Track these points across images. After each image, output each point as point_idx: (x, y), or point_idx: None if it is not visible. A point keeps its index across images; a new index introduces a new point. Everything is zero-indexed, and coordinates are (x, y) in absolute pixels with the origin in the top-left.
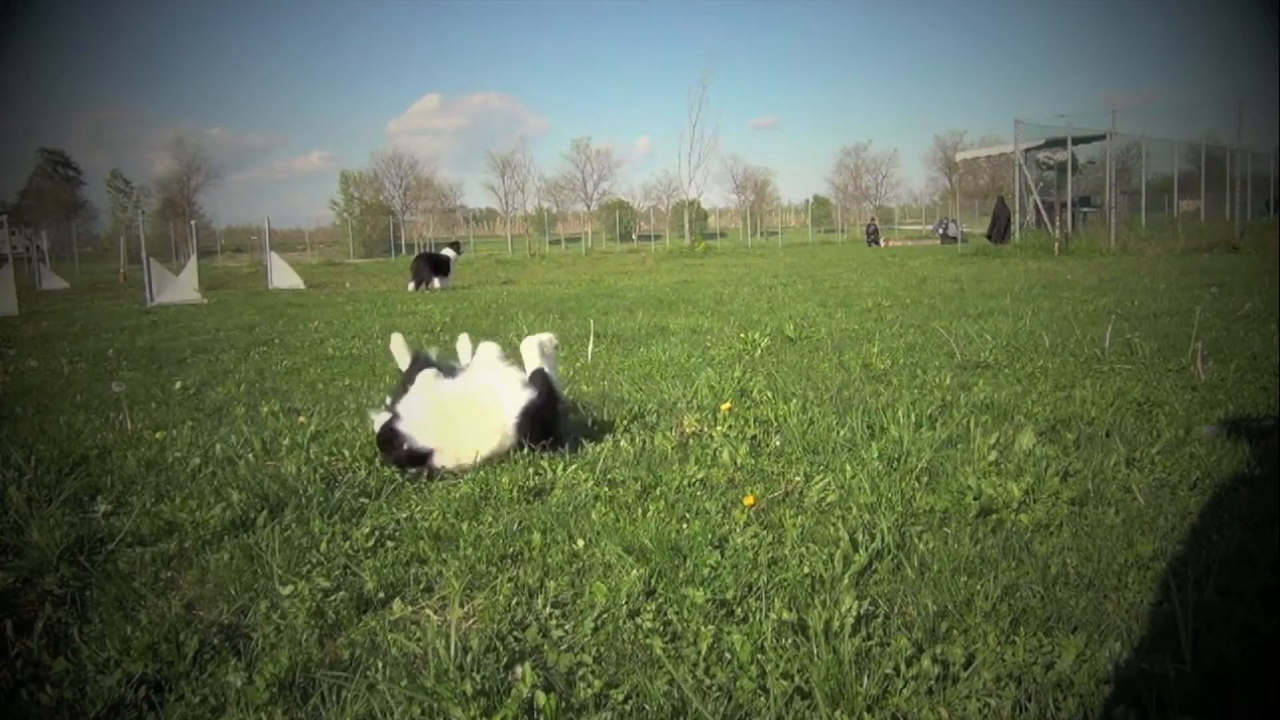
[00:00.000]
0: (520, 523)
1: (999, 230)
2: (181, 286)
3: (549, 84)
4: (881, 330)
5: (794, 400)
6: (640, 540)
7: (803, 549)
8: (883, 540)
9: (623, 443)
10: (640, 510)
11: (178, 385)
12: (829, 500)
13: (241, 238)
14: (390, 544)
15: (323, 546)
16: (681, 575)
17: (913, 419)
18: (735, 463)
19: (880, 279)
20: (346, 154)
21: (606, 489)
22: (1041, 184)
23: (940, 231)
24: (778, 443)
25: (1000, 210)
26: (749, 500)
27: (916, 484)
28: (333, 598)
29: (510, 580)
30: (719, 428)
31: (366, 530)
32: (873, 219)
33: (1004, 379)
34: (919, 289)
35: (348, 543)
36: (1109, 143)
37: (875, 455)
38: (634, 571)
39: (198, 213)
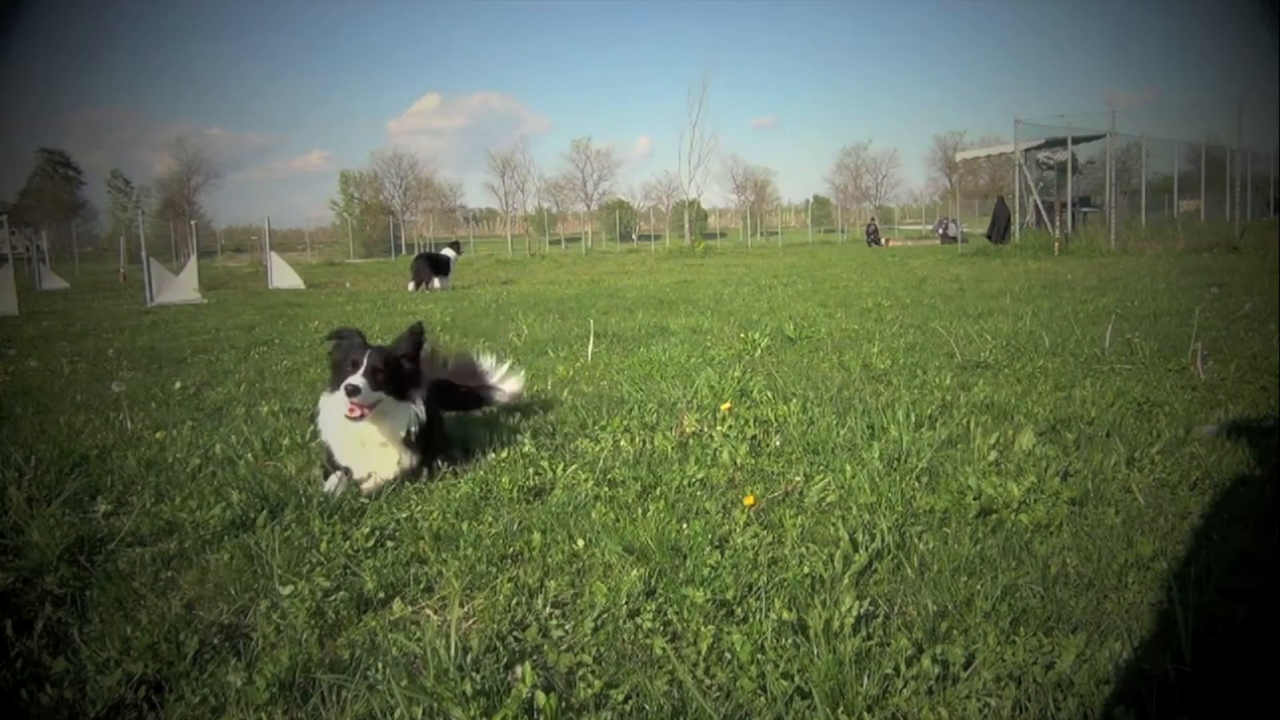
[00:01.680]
0: (520, 523)
1: (999, 230)
2: (181, 286)
3: (549, 83)
4: (881, 330)
5: (794, 400)
6: (640, 540)
7: (803, 549)
8: (883, 540)
9: (623, 443)
10: (640, 510)
11: (178, 385)
12: (829, 500)
13: (242, 238)
14: (390, 544)
15: (323, 546)
16: (682, 575)
17: (913, 419)
18: (735, 463)
19: (880, 279)
20: (346, 154)
21: (607, 489)
22: (1041, 184)
23: (940, 231)
24: (778, 443)
25: (1000, 210)
26: (749, 500)
27: (916, 484)
28: (333, 598)
29: (510, 580)
30: (719, 428)
31: (366, 530)
32: (873, 219)
33: (1004, 379)
34: (919, 289)
35: (348, 543)
36: (1109, 142)
37: (875, 455)
38: (634, 571)
39: (198, 213)
